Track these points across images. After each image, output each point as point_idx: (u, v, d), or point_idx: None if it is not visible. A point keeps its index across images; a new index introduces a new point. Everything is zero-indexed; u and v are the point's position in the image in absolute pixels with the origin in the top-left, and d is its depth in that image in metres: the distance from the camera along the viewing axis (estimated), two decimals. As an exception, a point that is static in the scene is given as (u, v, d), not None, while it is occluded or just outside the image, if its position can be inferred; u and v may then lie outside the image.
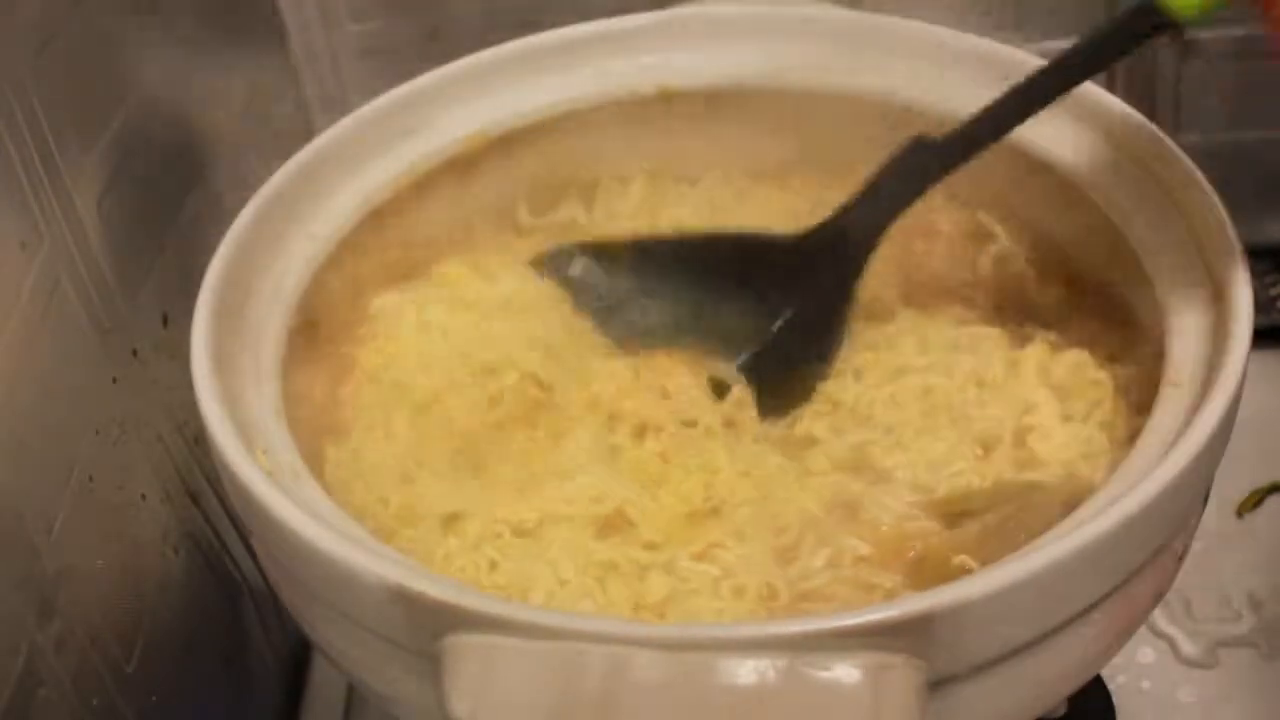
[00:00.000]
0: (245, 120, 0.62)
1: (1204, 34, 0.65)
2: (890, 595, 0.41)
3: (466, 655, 0.34)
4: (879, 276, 0.50)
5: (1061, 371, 0.46)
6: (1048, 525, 0.38)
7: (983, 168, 0.50)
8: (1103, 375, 0.45)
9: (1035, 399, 0.45)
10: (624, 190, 0.55)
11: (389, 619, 0.37)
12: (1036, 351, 0.47)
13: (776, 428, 0.47)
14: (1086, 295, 0.49)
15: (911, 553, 0.42)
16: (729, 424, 0.47)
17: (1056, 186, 0.49)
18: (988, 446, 0.45)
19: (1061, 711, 0.49)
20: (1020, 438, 0.45)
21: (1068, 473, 0.43)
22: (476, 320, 0.50)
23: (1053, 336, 0.47)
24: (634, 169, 0.55)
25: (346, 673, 0.43)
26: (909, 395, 0.46)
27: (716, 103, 0.54)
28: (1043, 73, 0.45)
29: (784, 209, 0.53)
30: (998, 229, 0.51)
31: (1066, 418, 0.45)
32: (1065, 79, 0.44)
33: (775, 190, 0.54)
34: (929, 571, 0.41)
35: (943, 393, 0.46)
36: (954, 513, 0.43)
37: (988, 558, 0.40)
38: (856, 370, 0.48)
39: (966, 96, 0.50)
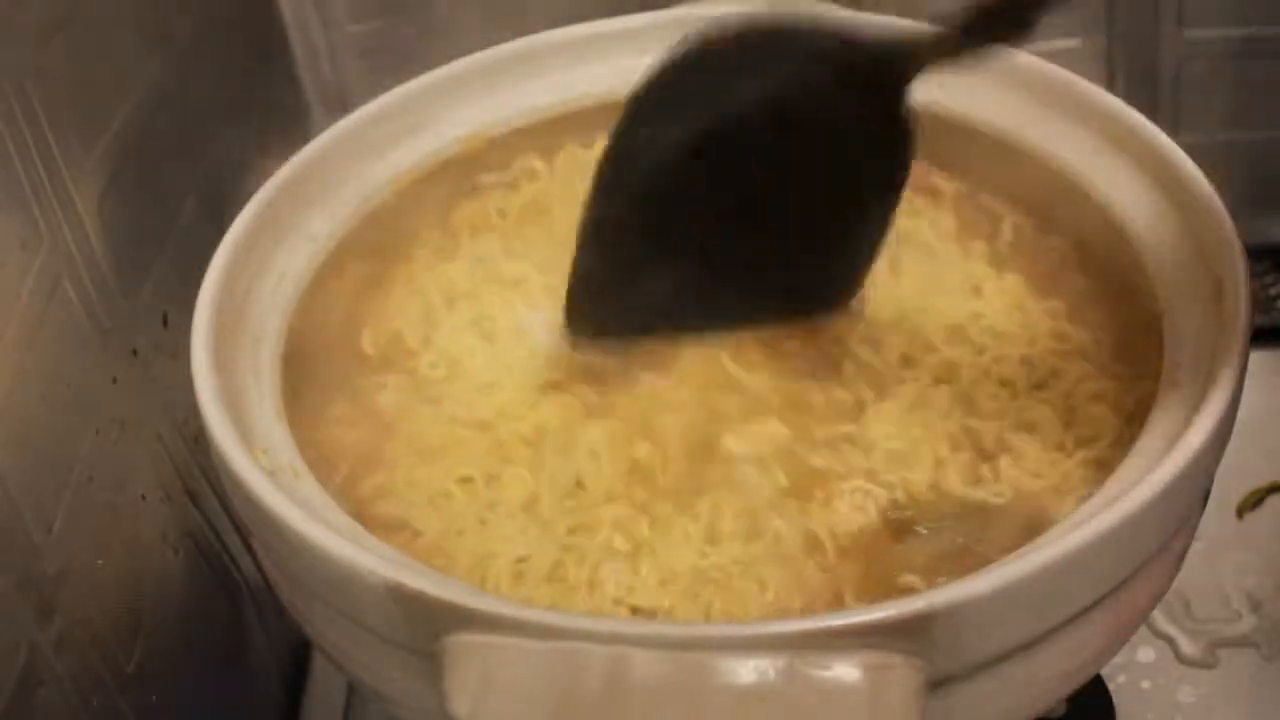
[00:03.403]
0: (245, 120, 0.63)
1: (1204, 34, 0.65)
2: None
3: (466, 655, 0.34)
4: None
5: (1081, 394, 0.46)
6: (1003, 551, 0.37)
7: (982, 166, 0.51)
8: (1108, 413, 0.45)
9: (1034, 417, 0.45)
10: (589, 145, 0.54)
11: (389, 619, 0.36)
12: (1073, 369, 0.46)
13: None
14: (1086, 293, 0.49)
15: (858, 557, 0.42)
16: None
17: (1056, 186, 0.49)
18: (953, 448, 0.44)
19: (1061, 711, 0.49)
20: (993, 452, 0.44)
21: (1024, 501, 0.43)
22: None
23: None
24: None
25: (346, 673, 0.43)
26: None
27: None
28: None
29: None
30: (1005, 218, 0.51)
31: (1058, 446, 0.44)
32: None
33: None
34: (873, 581, 0.41)
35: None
36: (902, 519, 0.43)
37: (937, 579, 0.40)
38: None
39: (967, 97, 0.50)
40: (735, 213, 0.43)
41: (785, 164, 0.42)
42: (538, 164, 0.54)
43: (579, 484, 0.44)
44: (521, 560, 0.42)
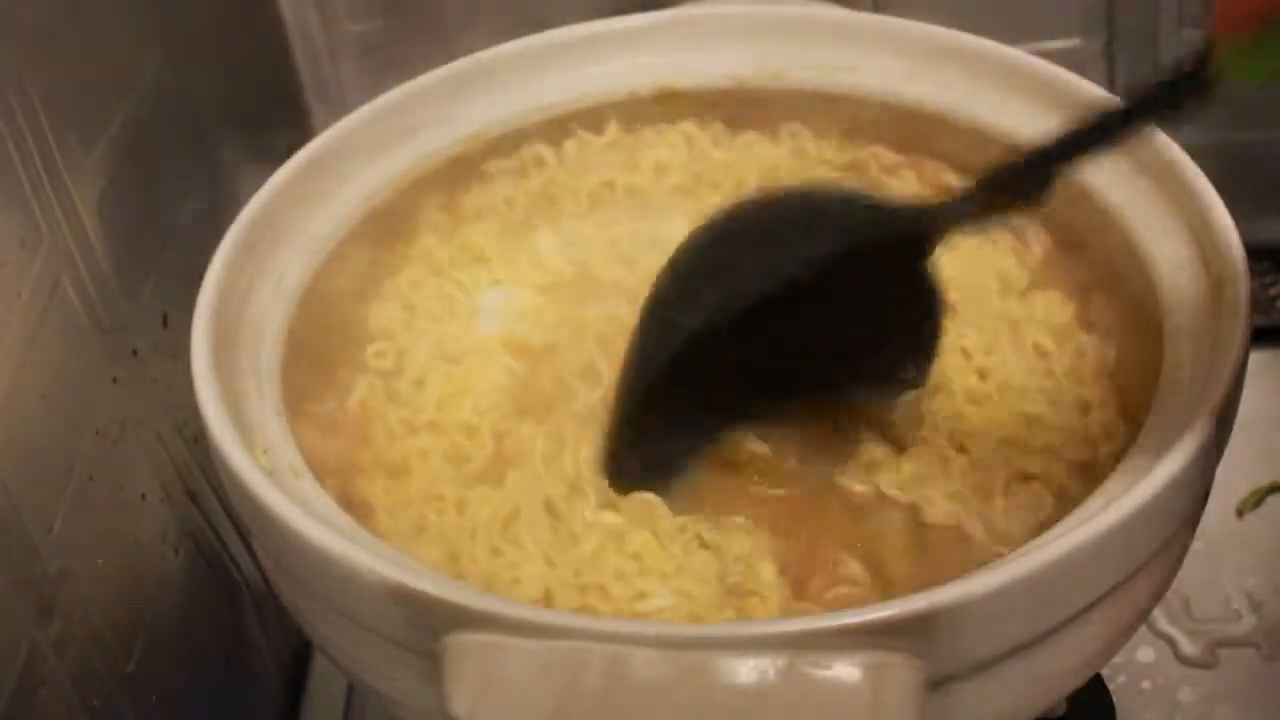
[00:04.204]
0: (245, 120, 0.63)
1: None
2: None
3: (466, 655, 0.34)
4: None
5: None
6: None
7: (980, 166, 0.50)
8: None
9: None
10: (597, 132, 0.54)
11: (389, 619, 0.37)
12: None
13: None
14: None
15: None
16: None
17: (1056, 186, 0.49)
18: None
19: (1061, 711, 0.49)
20: None
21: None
22: None
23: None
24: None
25: (346, 673, 0.43)
26: None
27: (717, 103, 0.54)
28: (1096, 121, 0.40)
29: (765, 152, 0.54)
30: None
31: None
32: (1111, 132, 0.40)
33: (757, 136, 0.54)
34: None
35: None
36: None
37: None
38: None
39: (967, 96, 0.50)
40: (775, 369, 0.44)
41: (822, 323, 0.43)
42: (546, 152, 0.54)
43: (468, 428, 0.45)
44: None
